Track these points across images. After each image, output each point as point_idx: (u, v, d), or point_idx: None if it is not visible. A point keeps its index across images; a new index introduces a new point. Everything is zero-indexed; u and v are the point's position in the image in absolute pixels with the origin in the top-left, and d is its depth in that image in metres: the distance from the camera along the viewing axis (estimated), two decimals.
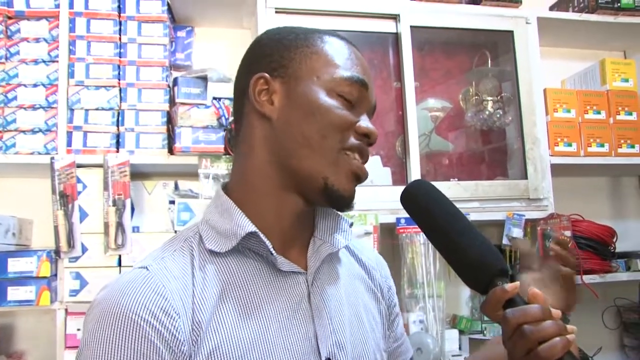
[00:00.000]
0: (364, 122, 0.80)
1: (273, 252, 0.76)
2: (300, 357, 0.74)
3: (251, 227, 0.76)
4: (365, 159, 0.81)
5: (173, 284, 0.71)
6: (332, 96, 0.78)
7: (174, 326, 0.68)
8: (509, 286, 0.70)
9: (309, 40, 0.81)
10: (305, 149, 0.77)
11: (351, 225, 0.88)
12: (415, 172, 1.94)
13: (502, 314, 0.70)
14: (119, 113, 1.83)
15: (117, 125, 1.83)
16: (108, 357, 0.65)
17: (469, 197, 1.99)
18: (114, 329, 0.66)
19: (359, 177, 0.80)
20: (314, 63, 0.79)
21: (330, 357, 0.77)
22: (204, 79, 1.89)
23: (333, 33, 0.84)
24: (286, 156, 0.78)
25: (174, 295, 0.70)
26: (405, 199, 0.80)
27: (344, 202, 0.79)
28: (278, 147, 0.79)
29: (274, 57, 0.81)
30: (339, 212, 0.86)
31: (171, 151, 1.86)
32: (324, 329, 0.78)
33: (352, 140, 0.79)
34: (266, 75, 0.80)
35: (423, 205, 0.79)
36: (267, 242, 0.76)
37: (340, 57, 0.80)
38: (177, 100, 1.86)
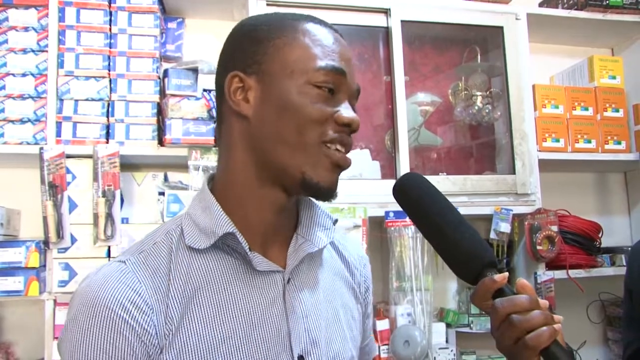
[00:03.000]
0: (345, 111, 0.77)
1: (248, 252, 0.76)
2: (272, 355, 0.75)
3: (229, 228, 0.75)
4: (347, 147, 0.79)
5: (148, 280, 0.73)
6: (307, 90, 0.75)
7: (146, 320, 0.70)
8: (498, 277, 0.71)
9: (283, 31, 0.78)
10: (283, 146, 0.76)
11: (335, 222, 0.87)
12: (404, 166, 1.95)
13: (491, 303, 0.71)
14: (109, 104, 1.83)
15: (107, 116, 1.82)
16: (83, 346, 0.69)
17: (458, 191, 2.00)
18: (90, 321, 0.70)
19: (340, 166, 0.78)
20: (287, 56, 0.76)
21: (304, 355, 0.78)
22: (195, 70, 1.89)
23: (309, 17, 0.81)
24: (264, 153, 0.77)
25: (148, 290, 0.72)
26: (398, 192, 0.81)
27: (324, 193, 0.78)
28: (255, 144, 0.78)
29: (247, 52, 0.78)
30: (324, 208, 0.86)
31: (161, 143, 1.85)
32: (298, 327, 0.78)
33: (331, 133, 0.76)
34: (240, 73, 0.78)
35: (415, 198, 0.79)
36: (244, 243, 0.76)
37: (316, 45, 0.77)
38: (167, 92, 1.85)
